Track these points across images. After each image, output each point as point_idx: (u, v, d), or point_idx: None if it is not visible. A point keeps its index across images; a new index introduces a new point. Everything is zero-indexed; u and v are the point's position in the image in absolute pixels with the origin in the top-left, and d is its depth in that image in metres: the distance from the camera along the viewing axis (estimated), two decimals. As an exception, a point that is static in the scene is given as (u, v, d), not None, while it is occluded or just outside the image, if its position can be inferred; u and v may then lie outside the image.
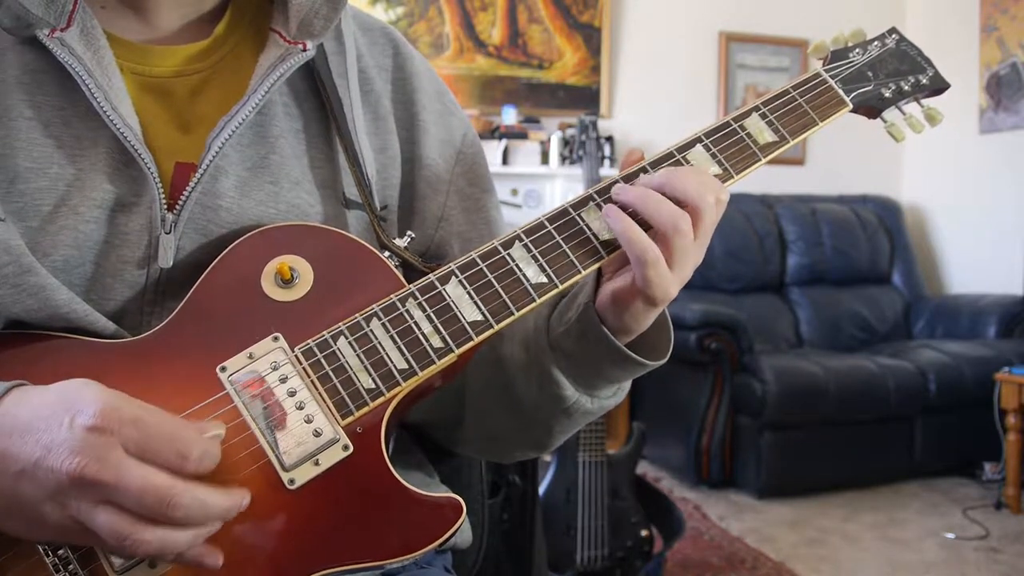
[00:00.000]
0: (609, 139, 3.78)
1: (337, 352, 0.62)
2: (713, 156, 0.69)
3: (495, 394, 0.75)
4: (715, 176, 0.68)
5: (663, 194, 0.64)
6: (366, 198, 0.73)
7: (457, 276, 0.64)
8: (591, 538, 2.12)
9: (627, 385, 0.74)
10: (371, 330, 0.63)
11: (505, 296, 0.64)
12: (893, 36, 0.81)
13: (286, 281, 0.64)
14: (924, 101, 0.80)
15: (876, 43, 0.80)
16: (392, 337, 0.63)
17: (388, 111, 0.79)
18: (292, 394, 0.60)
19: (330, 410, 0.60)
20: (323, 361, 0.61)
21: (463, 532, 0.78)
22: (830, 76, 0.76)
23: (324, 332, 0.62)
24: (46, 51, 0.64)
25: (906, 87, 0.78)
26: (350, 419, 0.61)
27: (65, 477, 0.50)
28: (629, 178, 0.67)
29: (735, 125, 0.71)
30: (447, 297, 0.64)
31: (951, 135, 4.05)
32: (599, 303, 0.67)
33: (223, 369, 0.61)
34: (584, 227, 0.66)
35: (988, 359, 3.21)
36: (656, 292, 0.63)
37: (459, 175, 0.81)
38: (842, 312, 3.83)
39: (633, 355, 0.67)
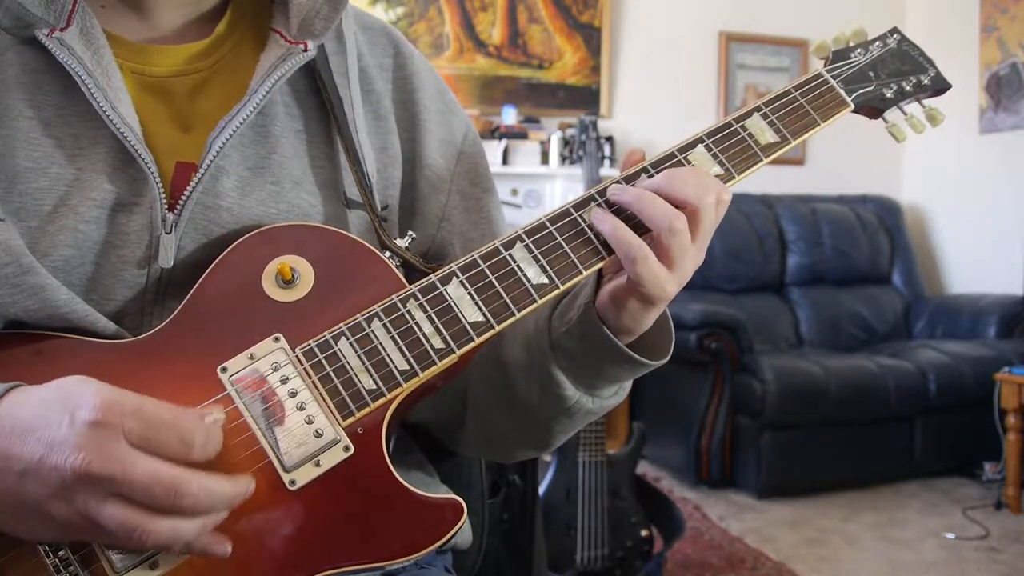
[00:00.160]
0: (609, 139, 3.77)
1: (338, 353, 0.62)
2: (714, 156, 0.69)
3: (496, 394, 0.75)
4: (716, 176, 0.68)
5: (662, 195, 0.63)
6: (367, 198, 0.73)
7: (458, 276, 0.64)
8: (591, 538, 2.12)
9: (628, 385, 0.74)
10: (372, 331, 0.63)
11: (506, 297, 0.64)
12: (895, 36, 0.81)
13: (287, 281, 0.64)
14: (925, 101, 0.80)
15: (878, 43, 0.80)
16: (393, 338, 0.62)
17: (389, 111, 0.79)
18: (293, 395, 0.60)
19: (331, 411, 0.60)
20: (324, 362, 0.61)
21: (463, 532, 0.78)
22: (831, 76, 0.76)
23: (325, 332, 0.62)
24: (46, 51, 0.64)
25: (908, 87, 0.78)
26: (351, 420, 0.60)
27: (70, 473, 0.50)
28: (630, 179, 0.67)
29: (736, 126, 0.71)
30: (448, 297, 0.64)
31: (951, 135, 4.05)
32: (599, 303, 0.67)
33: (224, 370, 0.61)
34: (585, 227, 0.66)
35: (988, 359, 3.21)
36: (650, 290, 0.63)
37: (460, 175, 0.81)
38: (842, 312, 3.83)
39: (634, 355, 0.67)
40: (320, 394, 0.60)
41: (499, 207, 0.83)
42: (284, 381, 0.60)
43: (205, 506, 0.53)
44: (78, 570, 0.55)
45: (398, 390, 0.62)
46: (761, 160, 0.70)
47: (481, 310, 0.64)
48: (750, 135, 0.71)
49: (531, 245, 0.65)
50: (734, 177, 0.69)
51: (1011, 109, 3.86)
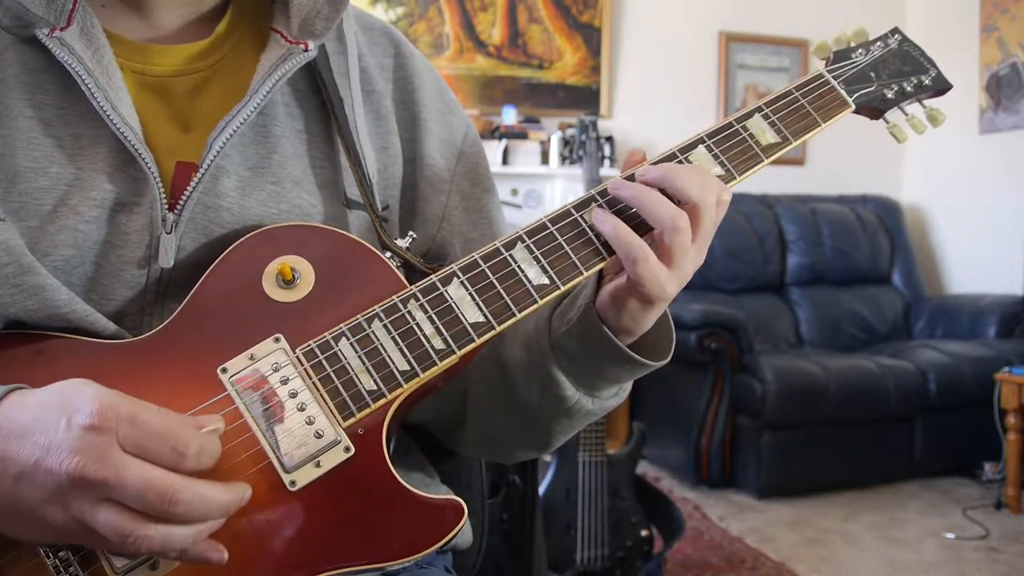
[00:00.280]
0: (609, 139, 3.77)
1: (339, 353, 0.62)
2: (715, 157, 0.69)
3: (496, 395, 0.75)
4: (718, 177, 0.68)
5: (662, 190, 0.63)
6: (367, 198, 0.73)
7: (459, 277, 0.64)
8: (591, 538, 2.11)
9: (628, 386, 0.74)
10: (373, 331, 0.62)
11: (507, 297, 0.64)
12: (896, 36, 0.81)
13: (287, 282, 0.64)
14: (926, 102, 0.80)
15: (879, 43, 0.80)
16: (394, 338, 0.62)
17: (389, 111, 0.78)
18: (293, 395, 0.60)
19: (331, 411, 0.60)
20: (325, 362, 0.61)
21: (464, 533, 0.78)
22: (833, 77, 0.76)
23: (326, 333, 0.62)
24: (46, 50, 0.63)
25: (909, 88, 0.78)
26: (351, 420, 0.60)
27: (65, 477, 0.50)
28: (631, 179, 0.67)
29: (738, 126, 0.71)
30: (449, 298, 0.64)
31: (951, 135, 4.04)
32: (599, 303, 0.67)
33: (224, 370, 0.61)
34: (586, 228, 0.66)
35: (988, 359, 3.21)
36: (650, 290, 0.62)
37: (460, 175, 0.81)
38: (842, 312, 3.83)
39: (634, 355, 0.66)
40: (321, 395, 0.60)
41: (499, 207, 0.83)
42: (285, 382, 0.60)
43: (199, 513, 0.52)
44: (78, 571, 0.55)
45: (399, 391, 0.61)
46: (762, 161, 0.70)
47: (482, 311, 0.63)
48: (751, 135, 0.71)
49: (532, 246, 0.65)
50: (735, 178, 0.69)
51: (1011, 109, 3.86)
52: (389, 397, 0.61)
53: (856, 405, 3.09)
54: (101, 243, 0.64)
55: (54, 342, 0.61)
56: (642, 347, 0.68)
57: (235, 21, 0.73)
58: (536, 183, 3.82)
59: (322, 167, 0.73)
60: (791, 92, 0.74)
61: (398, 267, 0.68)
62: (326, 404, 0.60)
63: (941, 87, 0.79)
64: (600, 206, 0.66)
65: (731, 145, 0.70)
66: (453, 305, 0.64)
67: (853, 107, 0.75)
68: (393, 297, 0.64)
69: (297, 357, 0.61)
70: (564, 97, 3.98)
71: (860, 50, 0.78)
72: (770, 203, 3.96)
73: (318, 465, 0.59)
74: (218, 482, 0.54)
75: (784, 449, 3.05)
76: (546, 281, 0.64)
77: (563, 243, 0.65)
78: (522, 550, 1.13)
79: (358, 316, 0.63)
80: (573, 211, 0.66)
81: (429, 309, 0.63)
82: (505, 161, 3.69)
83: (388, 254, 0.69)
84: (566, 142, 3.80)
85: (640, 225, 0.64)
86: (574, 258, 0.65)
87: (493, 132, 3.74)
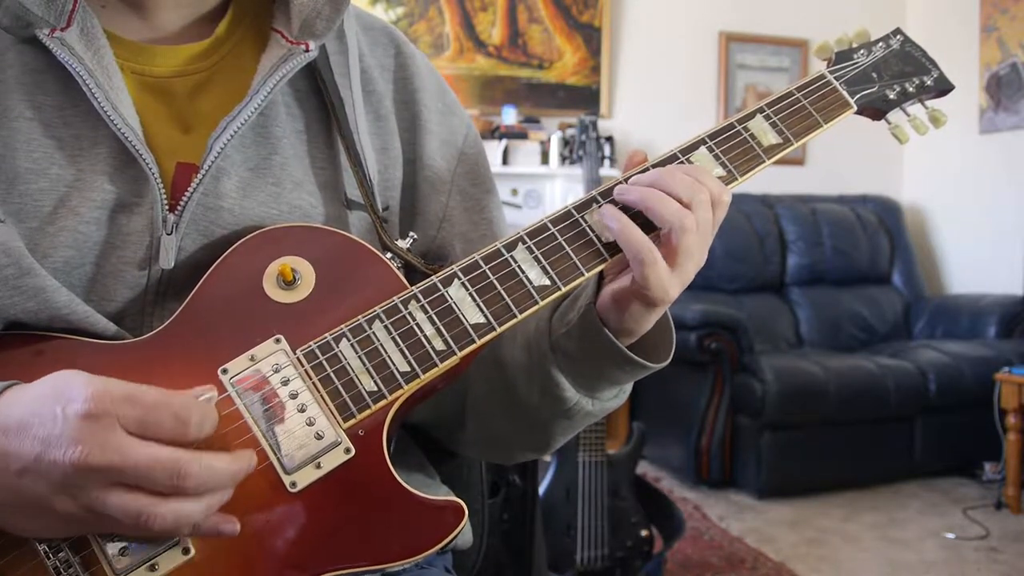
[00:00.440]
0: (609, 139, 3.77)
1: (339, 354, 0.62)
2: (717, 158, 0.69)
3: (496, 396, 0.75)
4: (719, 178, 0.68)
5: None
6: (368, 199, 0.72)
7: (460, 278, 0.64)
8: (591, 538, 2.11)
9: (628, 387, 0.74)
10: (373, 332, 0.62)
11: (507, 298, 0.64)
12: (898, 37, 0.80)
13: (288, 282, 0.64)
14: (928, 102, 0.80)
15: (881, 44, 0.79)
16: (394, 339, 0.62)
17: (390, 111, 0.78)
18: (294, 396, 0.60)
19: (332, 412, 0.60)
20: (325, 363, 0.61)
21: (464, 533, 0.78)
22: (834, 77, 0.76)
23: (326, 334, 0.62)
24: (46, 51, 0.63)
25: (911, 89, 0.78)
26: (352, 421, 0.60)
27: (70, 467, 0.49)
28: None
29: (739, 127, 0.71)
30: (449, 299, 0.64)
31: (951, 135, 4.04)
32: (600, 304, 0.67)
33: (224, 371, 0.60)
34: (587, 229, 0.66)
35: (988, 359, 3.21)
36: (655, 293, 0.62)
37: (461, 175, 0.81)
38: (842, 312, 3.83)
39: (634, 356, 0.66)
40: (321, 396, 0.60)
41: (500, 208, 0.83)
42: (285, 382, 0.60)
43: (209, 484, 0.52)
44: (78, 572, 0.55)
45: (399, 392, 0.61)
46: (764, 161, 0.70)
47: (482, 311, 0.63)
48: (752, 136, 0.70)
49: (533, 246, 0.65)
50: (736, 179, 0.69)
51: (1011, 109, 3.86)
52: (390, 398, 0.61)
53: (856, 405, 3.09)
54: (101, 244, 0.64)
55: (54, 343, 0.61)
56: (642, 348, 0.68)
57: (235, 21, 0.73)
58: (536, 183, 3.82)
59: (323, 168, 0.73)
60: (793, 93, 0.73)
61: (399, 268, 0.68)
62: (327, 405, 0.60)
63: (943, 88, 0.79)
64: (607, 203, 0.66)
65: (732, 146, 0.70)
66: (454, 306, 0.63)
67: (855, 108, 0.75)
68: (394, 298, 0.64)
69: (298, 358, 0.61)
70: (564, 97, 3.98)
71: (862, 51, 0.78)
72: (770, 203, 3.97)
73: (319, 466, 0.59)
74: (224, 452, 0.54)
75: (784, 449, 3.05)
76: (547, 282, 0.64)
77: (564, 244, 0.65)
78: (522, 550, 1.13)
79: (359, 317, 0.63)
80: (574, 212, 0.66)
81: (430, 310, 0.63)
82: (505, 161, 3.69)
83: (389, 255, 0.69)
84: (566, 142, 3.80)
85: (642, 226, 0.64)
86: (575, 259, 0.65)
87: (493, 132, 3.73)
